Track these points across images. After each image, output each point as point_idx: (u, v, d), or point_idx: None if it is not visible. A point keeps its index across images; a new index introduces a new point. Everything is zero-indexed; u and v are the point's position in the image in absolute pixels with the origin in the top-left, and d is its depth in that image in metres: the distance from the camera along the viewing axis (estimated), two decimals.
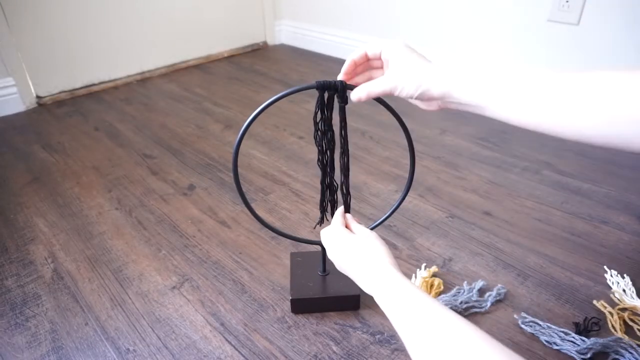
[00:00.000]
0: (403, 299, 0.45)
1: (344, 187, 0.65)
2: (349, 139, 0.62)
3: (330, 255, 0.59)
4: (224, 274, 0.85)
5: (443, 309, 0.42)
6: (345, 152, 0.62)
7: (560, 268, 0.84)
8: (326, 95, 0.58)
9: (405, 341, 0.43)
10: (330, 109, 0.59)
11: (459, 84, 0.47)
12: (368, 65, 0.57)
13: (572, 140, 0.43)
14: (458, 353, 0.38)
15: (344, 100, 0.57)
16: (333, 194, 0.68)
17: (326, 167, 0.64)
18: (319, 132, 0.61)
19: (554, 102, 0.41)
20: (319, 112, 0.59)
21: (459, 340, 0.38)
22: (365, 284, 0.52)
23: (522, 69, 0.45)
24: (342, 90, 0.56)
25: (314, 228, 0.72)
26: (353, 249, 0.56)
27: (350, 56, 0.56)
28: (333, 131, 0.61)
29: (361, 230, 0.59)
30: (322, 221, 0.71)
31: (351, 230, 0.60)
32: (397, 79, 0.50)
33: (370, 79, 0.57)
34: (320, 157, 0.63)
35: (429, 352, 0.40)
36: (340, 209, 0.64)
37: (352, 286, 0.76)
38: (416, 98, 0.50)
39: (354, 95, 0.54)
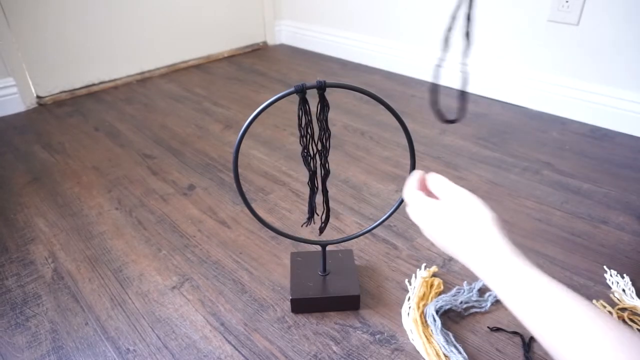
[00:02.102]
0: (535, 298, 0.38)
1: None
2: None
3: (426, 233, 0.49)
4: (224, 274, 0.85)
5: (590, 311, 0.36)
6: (325, 149, 0.63)
7: (560, 268, 0.84)
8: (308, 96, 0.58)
9: (546, 346, 0.37)
10: (323, 109, 0.59)
11: (477, 271, 0.44)
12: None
13: None
14: None
15: (323, 98, 0.58)
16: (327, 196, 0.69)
17: (315, 171, 0.65)
18: (307, 137, 0.61)
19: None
20: (303, 116, 0.59)
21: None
22: (480, 270, 0.43)
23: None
24: (323, 88, 0.57)
25: (302, 226, 0.72)
26: (447, 222, 0.45)
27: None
28: (329, 131, 0.61)
29: (450, 192, 0.47)
30: (310, 221, 0.71)
31: (433, 195, 0.50)
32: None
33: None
34: (309, 160, 0.64)
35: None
36: (413, 173, 0.54)
37: (352, 286, 0.76)
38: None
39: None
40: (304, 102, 0.58)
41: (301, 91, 0.56)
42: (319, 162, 0.64)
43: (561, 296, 0.38)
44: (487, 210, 0.45)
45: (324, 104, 0.58)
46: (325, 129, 0.61)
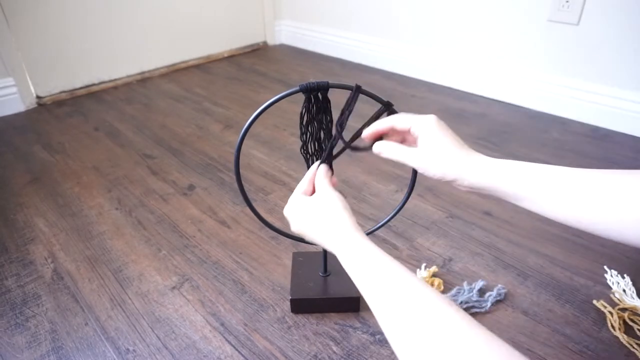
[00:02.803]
0: (368, 264, 0.44)
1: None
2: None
3: (289, 218, 0.56)
4: (224, 274, 0.85)
5: (410, 278, 0.40)
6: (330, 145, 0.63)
7: (560, 268, 0.84)
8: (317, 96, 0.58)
9: (371, 307, 0.42)
10: (325, 111, 0.59)
11: (493, 181, 0.47)
12: (394, 133, 0.55)
13: (614, 240, 0.45)
14: (427, 322, 0.36)
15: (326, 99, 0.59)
16: None
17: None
18: (308, 135, 0.61)
19: (592, 200, 0.42)
20: (306, 115, 0.59)
21: (426, 311, 0.37)
22: (328, 242, 0.50)
23: (553, 167, 0.45)
24: (327, 88, 0.57)
25: None
26: (311, 209, 0.53)
27: (375, 125, 0.54)
28: (331, 134, 0.61)
29: (323, 190, 0.55)
30: None
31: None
32: (424, 160, 0.50)
33: (399, 140, 0.55)
34: (307, 157, 0.64)
35: (396, 319, 0.38)
36: (309, 172, 0.59)
37: (353, 288, 0.75)
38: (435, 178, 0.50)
39: (376, 148, 0.54)
40: (308, 101, 0.58)
41: (307, 90, 0.57)
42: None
43: (386, 265, 0.43)
44: (344, 209, 0.52)
45: (326, 105, 0.59)
46: (325, 129, 0.61)
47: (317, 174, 0.58)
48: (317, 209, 0.53)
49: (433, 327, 0.35)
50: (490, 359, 0.32)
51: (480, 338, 0.33)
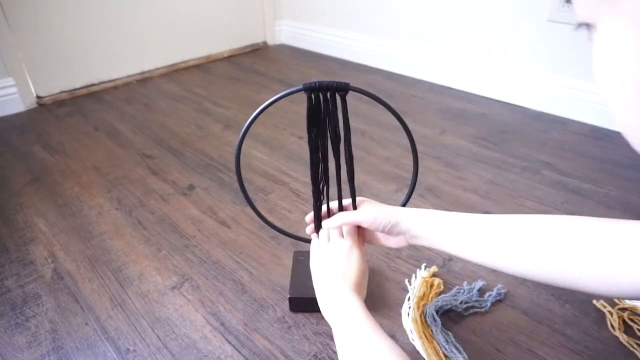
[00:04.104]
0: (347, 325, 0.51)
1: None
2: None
3: (311, 265, 0.64)
4: (224, 274, 0.85)
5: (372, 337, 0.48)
6: (348, 153, 0.61)
7: None
8: (317, 95, 0.56)
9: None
10: (330, 111, 0.58)
11: (415, 223, 0.57)
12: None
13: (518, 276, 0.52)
14: None
15: (342, 97, 0.56)
16: (320, 201, 0.65)
17: (320, 176, 0.63)
18: (313, 136, 0.59)
19: (495, 246, 0.51)
20: (307, 116, 0.57)
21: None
22: (324, 308, 0.56)
23: (473, 216, 0.56)
24: (336, 88, 0.55)
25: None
26: (323, 261, 0.60)
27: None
28: (336, 136, 0.59)
29: (340, 241, 0.62)
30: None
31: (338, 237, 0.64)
32: (372, 214, 0.59)
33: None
34: (315, 162, 0.61)
35: None
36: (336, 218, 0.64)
37: None
38: (386, 232, 0.59)
39: (326, 224, 0.63)
40: (311, 103, 0.57)
41: (309, 90, 0.55)
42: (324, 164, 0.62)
43: (362, 324, 0.50)
44: (354, 262, 0.60)
45: (327, 106, 0.58)
46: (327, 129, 0.60)
47: (343, 220, 0.63)
48: (327, 263, 0.60)
49: None
50: None
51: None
